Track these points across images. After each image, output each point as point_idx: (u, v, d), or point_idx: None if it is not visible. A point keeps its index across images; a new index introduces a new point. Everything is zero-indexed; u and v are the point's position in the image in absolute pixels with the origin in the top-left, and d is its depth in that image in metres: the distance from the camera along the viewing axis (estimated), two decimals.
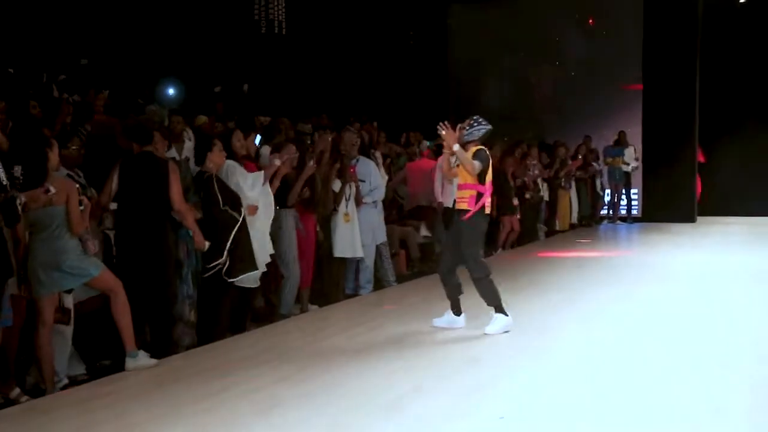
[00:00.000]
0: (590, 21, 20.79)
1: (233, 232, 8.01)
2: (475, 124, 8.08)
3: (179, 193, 7.46)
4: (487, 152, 8.07)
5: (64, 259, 6.56)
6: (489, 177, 8.07)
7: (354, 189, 10.54)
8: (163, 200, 7.40)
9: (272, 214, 8.80)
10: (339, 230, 10.37)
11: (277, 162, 8.90)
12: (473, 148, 8.00)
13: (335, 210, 10.37)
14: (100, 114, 10.57)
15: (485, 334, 7.91)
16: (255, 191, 8.47)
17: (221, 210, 8.02)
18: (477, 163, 7.89)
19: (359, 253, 10.59)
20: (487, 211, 8.11)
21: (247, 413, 5.68)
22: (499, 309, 8.06)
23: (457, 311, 8.28)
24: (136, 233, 7.38)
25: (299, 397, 6.04)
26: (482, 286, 8.08)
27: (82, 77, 14.49)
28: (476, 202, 7.97)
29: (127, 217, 7.44)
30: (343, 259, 10.55)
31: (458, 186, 8.12)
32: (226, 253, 7.96)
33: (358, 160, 10.83)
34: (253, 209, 8.32)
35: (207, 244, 7.77)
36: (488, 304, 8.11)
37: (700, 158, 20.13)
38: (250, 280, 8.38)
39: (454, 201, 8.13)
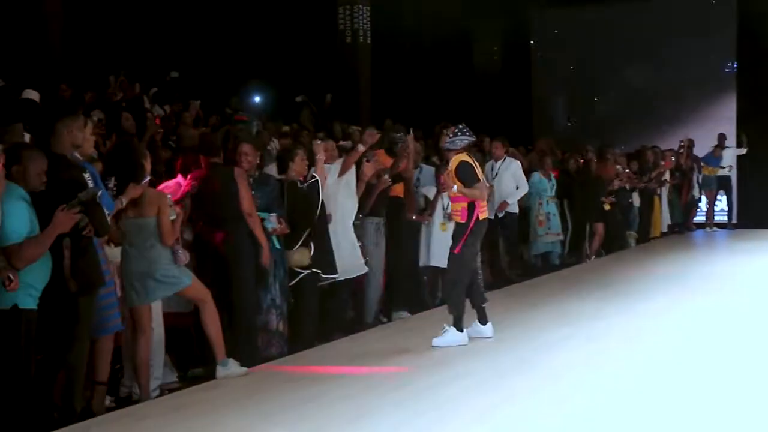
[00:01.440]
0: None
1: (305, 233, 8.05)
2: (459, 134, 7.99)
3: (248, 198, 7.48)
4: (470, 161, 7.88)
5: (156, 269, 6.66)
6: (481, 178, 7.94)
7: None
8: (235, 208, 7.43)
9: (352, 214, 8.82)
10: (435, 239, 10.32)
11: (361, 147, 8.90)
12: (456, 158, 7.88)
13: (429, 217, 10.34)
14: (186, 125, 10.75)
15: (432, 345, 7.74)
16: (332, 179, 8.54)
17: (299, 212, 8.08)
18: (470, 191, 7.74)
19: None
20: (482, 216, 7.89)
21: (338, 422, 5.69)
22: (457, 322, 7.85)
23: (484, 320, 8.13)
24: (213, 243, 7.43)
25: (390, 405, 6.02)
26: (451, 292, 7.93)
27: (173, 89, 14.79)
28: (468, 214, 7.80)
29: (204, 228, 7.50)
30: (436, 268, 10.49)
31: (451, 198, 8.03)
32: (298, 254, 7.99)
33: (421, 169, 10.77)
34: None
35: (271, 260, 7.76)
36: (449, 312, 7.92)
37: None
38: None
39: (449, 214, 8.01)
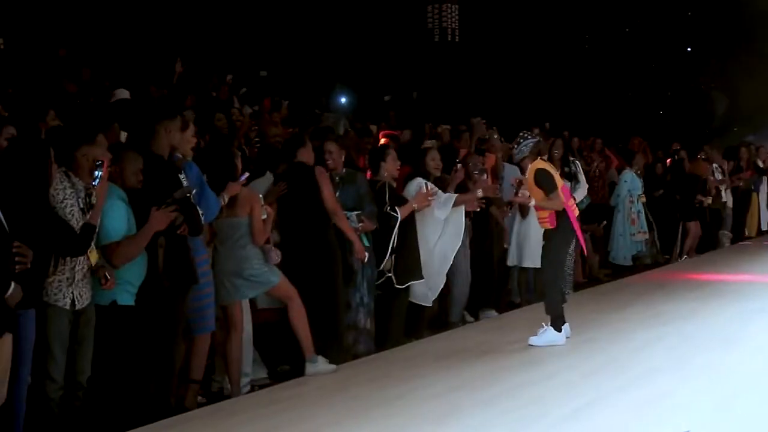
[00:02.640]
0: None
1: (395, 231, 8.04)
2: (522, 141, 7.95)
3: (331, 195, 7.50)
4: (546, 167, 7.80)
5: (246, 268, 6.78)
6: (559, 184, 7.82)
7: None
8: (319, 207, 7.47)
9: (460, 237, 8.78)
10: (528, 239, 10.30)
11: (479, 193, 8.89)
12: (532, 166, 7.81)
13: (523, 218, 10.33)
14: (276, 125, 10.85)
15: (529, 344, 7.70)
16: (445, 210, 8.51)
17: (385, 213, 8.09)
18: (549, 202, 7.69)
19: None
20: (573, 216, 7.81)
21: (426, 420, 5.69)
22: (555, 321, 7.76)
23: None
24: (300, 242, 7.49)
25: (476, 404, 6.01)
26: (549, 291, 7.89)
27: (262, 89, 14.99)
28: (557, 218, 7.72)
29: (291, 227, 7.57)
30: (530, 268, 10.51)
31: (535, 208, 7.96)
32: (389, 254, 7.99)
33: (504, 167, 10.67)
34: (369, 227, 8.05)
35: (366, 255, 7.79)
36: (546, 312, 7.86)
37: None
38: (420, 296, 8.42)
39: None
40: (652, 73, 21.97)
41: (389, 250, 8.02)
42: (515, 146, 8.07)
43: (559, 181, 7.93)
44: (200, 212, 6.11)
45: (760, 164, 17.23)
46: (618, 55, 21.24)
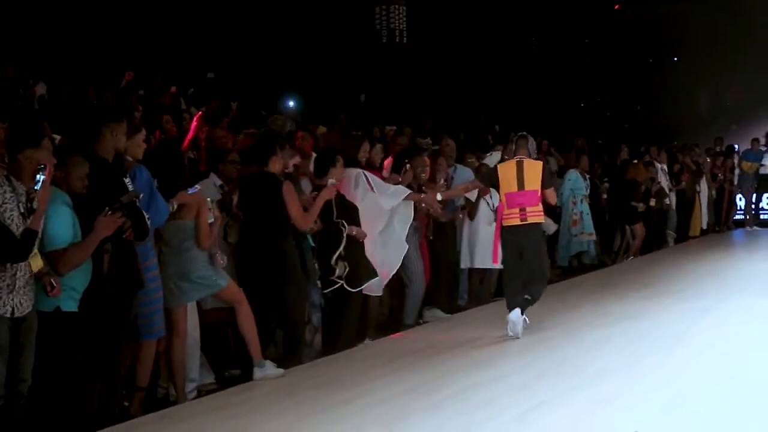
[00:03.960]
0: None
1: (342, 245, 8.00)
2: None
3: (299, 210, 7.45)
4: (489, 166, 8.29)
5: (192, 271, 6.67)
6: (502, 189, 8.23)
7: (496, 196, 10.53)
8: (282, 217, 7.38)
9: (409, 223, 8.81)
10: (480, 240, 10.31)
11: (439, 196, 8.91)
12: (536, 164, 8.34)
13: (471, 220, 10.36)
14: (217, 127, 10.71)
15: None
16: (393, 200, 8.50)
17: (334, 222, 8.03)
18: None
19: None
20: (505, 223, 8.23)
21: (375, 424, 5.66)
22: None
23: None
24: (260, 248, 7.41)
25: (427, 408, 5.98)
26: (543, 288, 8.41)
27: (209, 90, 14.84)
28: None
29: (251, 233, 7.49)
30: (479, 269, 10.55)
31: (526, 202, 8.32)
32: (338, 264, 7.95)
33: (455, 169, 10.69)
34: (363, 234, 8.23)
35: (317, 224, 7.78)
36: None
37: None
38: (373, 287, 8.39)
39: None
40: (599, 77, 22.21)
41: (335, 258, 7.96)
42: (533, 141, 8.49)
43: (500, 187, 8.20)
44: (147, 217, 5.99)
45: (699, 164, 17.50)
46: (564, 56, 21.40)
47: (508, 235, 8.24)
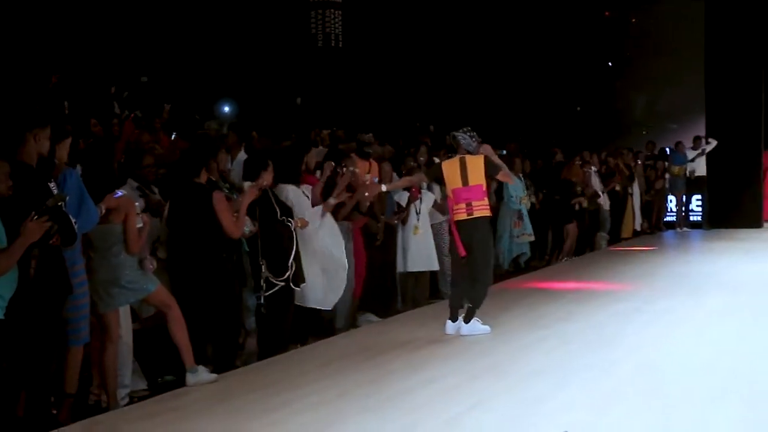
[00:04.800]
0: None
1: (295, 242, 7.98)
2: (469, 135, 8.55)
3: (230, 219, 7.38)
4: (437, 161, 8.48)
5: (122, 275, 6.60)
6: (448, 185, 8.43)
7: (424, 202, 10.62)
8: (214, 227, 7.33)
9: (338, 237, 8.85)
10: (411, 244, 10.36)
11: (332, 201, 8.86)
12: (477, 159, 8.46)
13: (403, 224, 10.41)
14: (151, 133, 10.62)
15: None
16: (315, 219, 8.53)
17: (279, 221, 8.00)
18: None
19: (435, 266, 10.64)
20: (455, 218, 8.41)
21: (309, 429, 5.65)
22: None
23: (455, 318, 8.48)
24: (193, 257, 7.35)
25: (361, 412, 5.99)
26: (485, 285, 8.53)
27: (143, 94, 14.70)
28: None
29: (182, 243, 7.42)
30: (415, 273, 10.61)
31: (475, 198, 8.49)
32: (291, 263, 7.93)
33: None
34: (305, 222, 8.29)
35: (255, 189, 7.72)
36: (475, 307, 8.46)
37: None
38: (318, 301, 8.41)
39: None
40: (534, 79, 22.44)
41: (291, 259, 7.93)
42: (464, 137, 8.45)
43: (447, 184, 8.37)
44: (74, 221, 5.90)
45: (631, 167, 17.82)
46: (500, 59, 21.58)
47: (458, 229, 8.40)
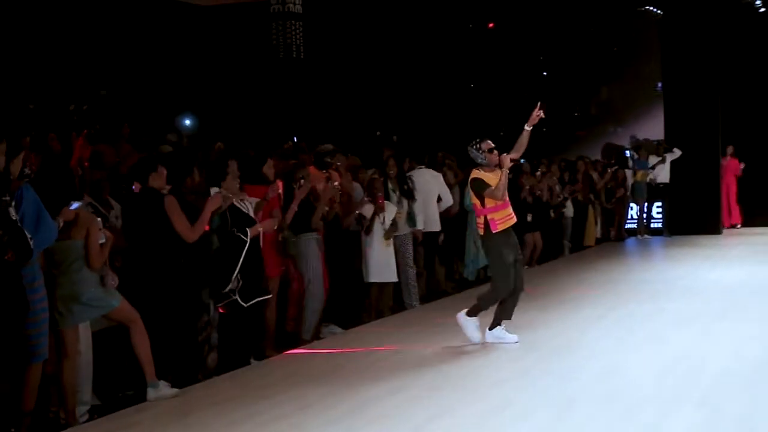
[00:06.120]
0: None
1: (242, 255, 7.95)
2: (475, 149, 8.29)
3: (184, 224, 7.36)
4: (476, 179, 8.18)
5: (83, 292, 6.56)
6: (490, 197, 8.12)
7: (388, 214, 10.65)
8: (169, 233, 7.31)
9: None
10: (374, 255, 10.40)
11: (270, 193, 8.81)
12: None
13: (366, 234, 10.45)
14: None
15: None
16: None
17: (228, 232, 7.98)
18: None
19: (394, 278, 10.72)
20: (498, 228, 8.15)
21: None
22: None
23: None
24: (150, 268, 7.32)
25: (323, 424, 5.99)
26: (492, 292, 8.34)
27: (102, 108, 14.60)
28: (485, 226, 8.17)
29: (139, 254, 7.39)
30: (379, 284, 10.64)
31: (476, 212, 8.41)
32: (236, 275, 7.89)
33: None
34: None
35: (220, 196, 7.69)
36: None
37: (737, 170, 19.93)
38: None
39: None
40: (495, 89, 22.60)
41: (236, 272, 7.89)
42: (472, 151, 8.28)
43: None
44: (29, 237, 5.84)
45: (595, 177, 17.96)
46: (458, 71, 21.68)
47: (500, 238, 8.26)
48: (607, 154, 20.39)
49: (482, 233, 8.24)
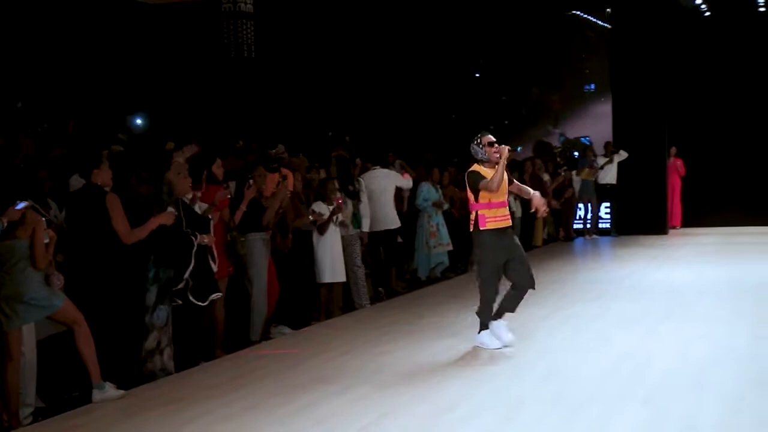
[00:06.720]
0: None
1: (193, 254, 7.90)
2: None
3: (124, 224, 7.31)
4: (473, 171, 8.00)
5: (27, 292, 6.48)
6: (485, 189, 7.91)
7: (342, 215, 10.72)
8: (110, 231, 7.26)
9: None
10: (327, 255, 10.44)
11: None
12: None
13: (321, 235, 10.45)
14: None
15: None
16: None
17: (183, 233, 7.94)
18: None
19: (342, 278, 10.77)
20: (487, 225, 7.95)
21: None
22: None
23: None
24: (91, 266, 7.26)
25: (270, 424, 5.99)
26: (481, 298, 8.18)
27: (51, 107, 14.41)
28: (474, 222, 7.99)
29: (81, 251, 7.32)
30: (329, 284, 10.68)
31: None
32: (188, 276, 7.85)
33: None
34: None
35: (172, 214, 7.63)
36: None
37: (681, 170, 20.20)
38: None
39: None
40: (445, 89, 22.70)
41: (188, 273, 7.84)
42: (473, 147, 8.08)
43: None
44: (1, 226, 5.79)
45: (545, 177, 18.11)
46: (412, 70, 21.70)
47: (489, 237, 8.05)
48: (540, 153, 20.59)
49: (471, 229, 8.03)
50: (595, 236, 19.16)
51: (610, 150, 19.03)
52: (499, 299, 8.18)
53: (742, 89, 19.79)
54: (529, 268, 8.16)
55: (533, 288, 8.18)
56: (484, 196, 7.94)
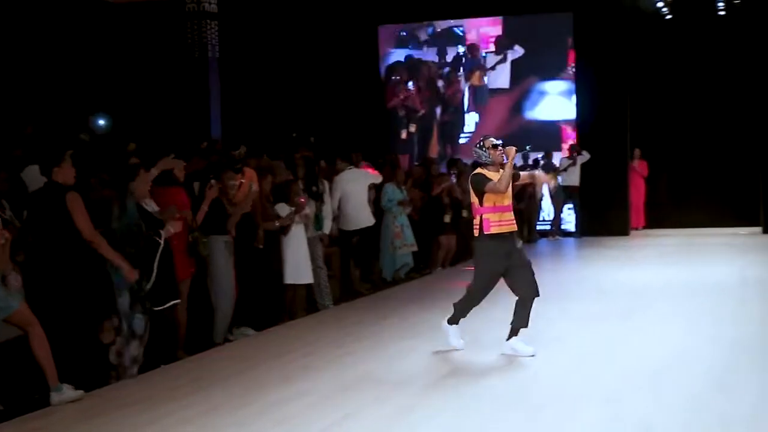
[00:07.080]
0: None
1: (157, 258, 7.87)
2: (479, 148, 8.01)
3: (86, 222, 7.24)
4: (477, 174, 7.89)
5: None
6: (492, 191, 7.75)
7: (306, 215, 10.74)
8: (71, 230, 7.20)
9: None
10: (291, 256, 10.44)
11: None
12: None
13: (284, 236, 10.45)
14: None
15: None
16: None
17: (145, 235, 7.89)
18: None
19: (309, 279, 10.78)
20: (491, 230, 7.79)
21: None
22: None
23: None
24: (53, 266, 7.20)
25: (231, 425, 5.98)
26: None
27: (10, 107, 14.28)
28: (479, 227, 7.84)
29: (42, 249, 7.27)
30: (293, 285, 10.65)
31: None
32: (153, 279, 7.80)
33: None
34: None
35: (136, 273, 7.59)
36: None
37: (644, 172, 20.37)
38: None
39: None
40: None
41: (153, 276, 7.79)
42: (476, 151, 7.97)
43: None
44: None
45: None
46: (374, 72, 21.68)
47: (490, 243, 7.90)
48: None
49: (476, 234, 7.86)
50: (558, 237, 19.28)
51: (573, 152, 19.16)
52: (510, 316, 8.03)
53: (704, 91, 19.99)
54: (531, 274, 7.97)
55: (537, 295, 7.99)
56: (488, 198, 7.80)
